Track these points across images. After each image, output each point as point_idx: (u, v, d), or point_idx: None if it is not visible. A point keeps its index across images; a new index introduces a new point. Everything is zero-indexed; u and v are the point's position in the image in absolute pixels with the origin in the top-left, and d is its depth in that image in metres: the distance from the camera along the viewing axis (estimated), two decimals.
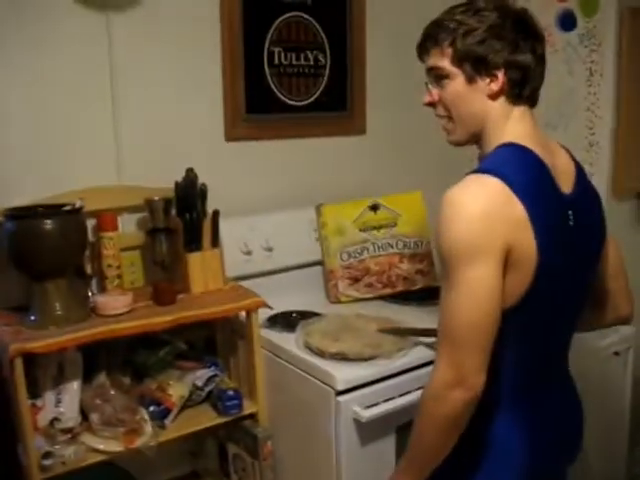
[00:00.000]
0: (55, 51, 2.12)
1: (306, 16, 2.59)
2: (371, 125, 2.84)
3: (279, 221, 2.52)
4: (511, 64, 1.35)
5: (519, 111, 1.39)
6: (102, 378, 2.06)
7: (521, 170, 1.32)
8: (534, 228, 1.28)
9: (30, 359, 1.84)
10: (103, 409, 1.96)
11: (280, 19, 2.52)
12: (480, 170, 1.32)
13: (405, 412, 1.89)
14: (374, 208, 2.61)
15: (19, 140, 2.10)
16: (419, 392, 1.88)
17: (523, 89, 1.38)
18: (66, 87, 2.15)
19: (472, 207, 1.26)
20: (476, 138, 1.44)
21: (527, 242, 1.28)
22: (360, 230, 2.58)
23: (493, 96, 1.38)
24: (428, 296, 2.50)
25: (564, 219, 1.37)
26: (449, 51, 1.37)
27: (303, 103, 2.65)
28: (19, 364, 1.76)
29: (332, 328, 2.15)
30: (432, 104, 1.46)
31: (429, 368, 1.94)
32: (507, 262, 1.27)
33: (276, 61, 2.54)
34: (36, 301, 1.92)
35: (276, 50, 2.54)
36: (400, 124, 2.91)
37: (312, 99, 2.67)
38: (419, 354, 2.02)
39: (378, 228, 2.60)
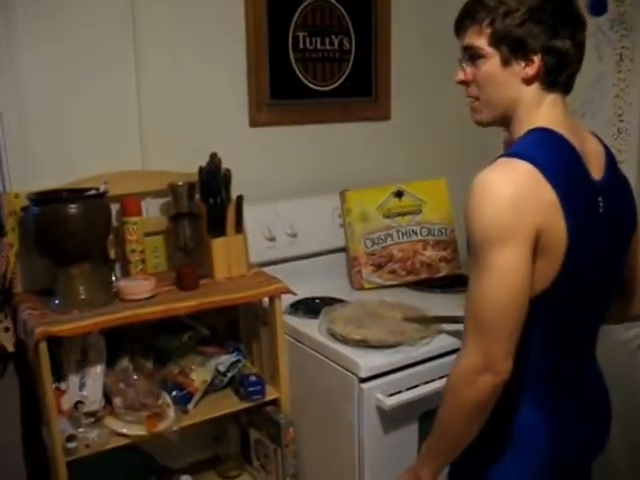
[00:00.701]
0: (80, 34, 2.12)
1: (331, 0, 2.56)
2: (396, 111, 2.81)
3: (303, 207, 2.50)
4: (548, 49, 1.31)
5: (552, 98, 1.36)
6: (125, 362, 2.07)
7: (552, 155, 1.30)
8: (564, 212, 1.26)
9: (55, 342, 1.85)
10: (126, 393, 1.97)
11: (305, 3, 2.50)
12: (510, 154, 1.30)
13: (428, 400, 1.88)
14: (398, 195, 2.59)
15: (44, 124, 2.10)
16: (443, 380, 1.87)
17: (559, 75, 1.35)
18: (91, 71, 2.15)
19: (502, 191, 1.24)
20: (503, 121, 1.41)
21: (557, 226, 1.26)
22: (384, 217, 2.56)
23: (528, 81, 1.34)
24: (452, 283, 2.48)
25: (594, 205, 1.35)
26: (487, 31, 1.34)
27: (328, 88, 2.63)
28: (44, 347, 1.77)
29: (355, 315, 2.14)
30: (465, 83, 1.43)
31: (453, 356, 1.93)
32: (536, 247, 1.25)
33: (301, 46, 2.52)
34: (60, 285, 1.93)
35: (301, 35, 2.52)
36: (425, 110, 2.88)
37: (337, 84, 2.64)
38: (443, 342, 2.01)
39: (402, 215, 2.58)
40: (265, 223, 2.40)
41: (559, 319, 1.37)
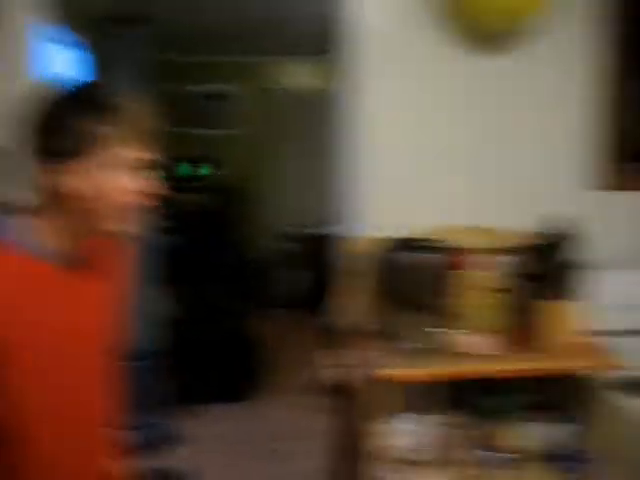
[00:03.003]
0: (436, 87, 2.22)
1: None
2: None
3: None
4: None
5: None
6: (448, 416, 2.06)
7: None
8: None
9: (387, 386, 1.89)
10: (445, 446, 1.98)
11: None
12: None
13: None
14: None
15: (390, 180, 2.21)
16: None
17: None
18: (434, 128, 2.24)
19: None
20: None
21: None
22: None
23: None
24: None
25: None
26: None
27: None
28: (378, 389, 1.85)
29: None
30: None
31: None
32: None
33: None
34: (404, 330, 1.99)
35: None
36: None
37: None
38: None
39: None
40: (619, 290, 2.24)
41: None
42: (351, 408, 2.12)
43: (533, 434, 2.08)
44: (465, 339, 2.01)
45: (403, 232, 2.11)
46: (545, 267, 2.11)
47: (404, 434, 1.99)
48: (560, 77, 2.31)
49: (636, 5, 2.30)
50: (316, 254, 5.54)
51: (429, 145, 2.24)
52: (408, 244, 2.01)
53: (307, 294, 5.59)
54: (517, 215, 2.23)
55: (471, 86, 2.26)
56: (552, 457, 2.07)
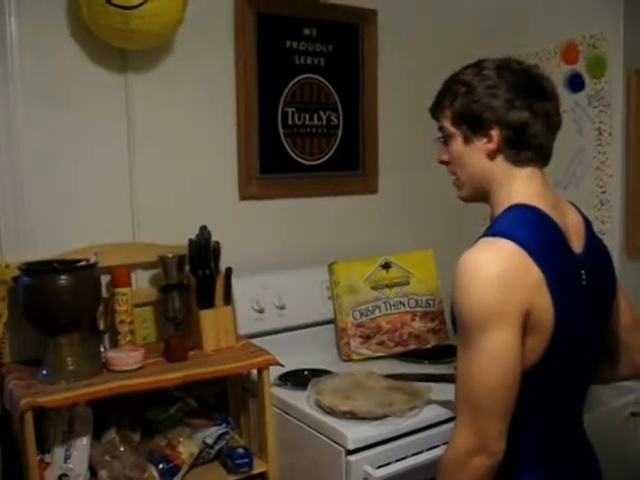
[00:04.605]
0: (73, 109, 2.18)
1: (319, 77, 2.65)
2: (383, 184, 2.87)
3: (291, 279, 2.53)
4: (505, 123, 1.34)
5: (526, 172, 1.38)
6: (112, 434, 2.05)
7: (534, 232, 1.32)
8: (550, 290, 1.27)
9: (41, 414, 1.84)
10: (112, 466, 1.95)
11: (294, 81, 2.59)
12: (493, 233, 1.31)
13: (417, 472, 1.86)
14: (386, 266, 2.62)
15: (36, 196, 2.13)
16: (432, 452, 1.88)
17: (523, 148, 1.37)
18: (83, 145, 2.20)
19: (489, 272, 1.25)
20: (483, 196, 1.44)
21: (544, 305, 1.27)
22: (372, 288, 2.58)
23: (490, 155, 1.38)
24: (440, 354, 2.48)
25: (577, 279, 1.37)
26: (449, 112, 1.40)
27: (316, 162, 2.69)
28: (29, 418, 1.76)
29: (343, 386, 2.14)
30: (444, 162, 1.48)
31: (442, 427, 1.94)
32: (525, 324, 1.26)
33: (290, 121, 2.60)
34: (49, 355, 1.93)
35: (290, 110, 2.59)
36: (412, 184, 2.94)
37: (325, 158, 2.71)
38: (431, 413, 2.00)
39: (390, 286, 2.60)
40: (254, 295, 2.42)
41: (547, 391, 1.36)
42: (11, 443, 2.03)
43: (201, 438, 2.15)
44: (121, 355, 2.02)
45: (55, 252, 2.08)
46: (195, 277, 2.20)
47: (69, 460, 1.94)
48: (206, 98, 2.43)
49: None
50: None
51: (81, 165, 2.21)
52: (56, 265, 1.97)
53: None
54: (172, 228, 2.30)
55: (124, 108, 2.27)
56: (223, 457, 2.16)
